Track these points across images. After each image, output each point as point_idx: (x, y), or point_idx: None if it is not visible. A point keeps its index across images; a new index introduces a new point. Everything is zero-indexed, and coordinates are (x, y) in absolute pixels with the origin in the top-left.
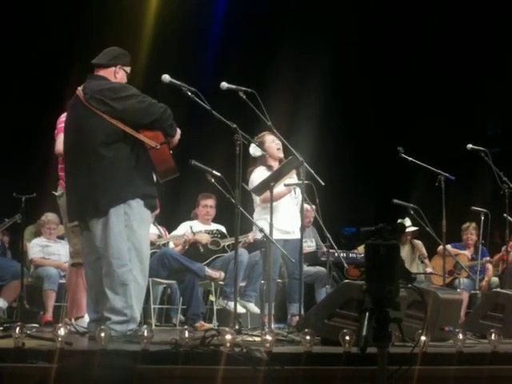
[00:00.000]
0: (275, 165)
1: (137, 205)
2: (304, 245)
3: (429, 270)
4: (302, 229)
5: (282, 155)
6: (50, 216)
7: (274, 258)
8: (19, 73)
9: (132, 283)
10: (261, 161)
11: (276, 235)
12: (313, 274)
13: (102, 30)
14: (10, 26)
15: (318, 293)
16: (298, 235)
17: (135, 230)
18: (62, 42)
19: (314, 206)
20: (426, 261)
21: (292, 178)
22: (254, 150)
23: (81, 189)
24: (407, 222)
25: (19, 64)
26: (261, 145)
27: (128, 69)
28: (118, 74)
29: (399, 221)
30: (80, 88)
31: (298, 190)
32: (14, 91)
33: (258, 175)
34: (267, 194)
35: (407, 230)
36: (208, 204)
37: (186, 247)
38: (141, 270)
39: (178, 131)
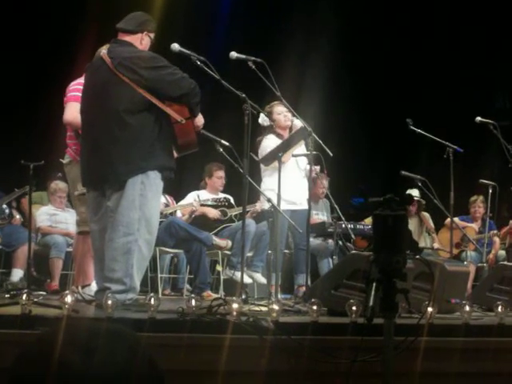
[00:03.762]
0: (285, 133)
1: (154, 176)
2: (315, 217)
3: (436, 245)
4: (310, 199)
5: (289, 123)
6: (60, 184)
7: (280, 229)
8: (25, 36)
9: (135, 253)
10: (269, 130)
11: (283, 206)
12: (315, 246)
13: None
14: None
15: (320, 264)
16: (305, 206)
17: (149, 200)
18: (70, 6)
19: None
20: (434, 235)
21: (301, 148)
22: (262, 119)
23: (100, 154)
24: (415, 192)
25: (23, 27)
26: (269, 115)
27: (152, 35)
28: (143, 41)
29: (408, 191)
30: (105, 51)
31: (306, 161)
32: (20, 56)
33: (269, 142)
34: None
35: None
36: (222, 175)
37: (193, 216)
38: (147, 241)
39: (201, 117)
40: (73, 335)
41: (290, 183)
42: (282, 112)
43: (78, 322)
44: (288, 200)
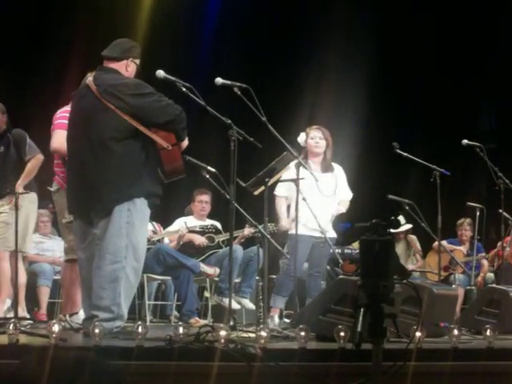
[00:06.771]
0: (314, 160)
1: (141, 203)
2: None
3: (412, 266)
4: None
5: (319, 151)
6: (41, 211)
7: (299, 255)
8: (14, 71)
9: (123, 281)
10: (303, 152)
11: (307, 232)
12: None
13: (95, 25)
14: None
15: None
16: (329, 234)
17: (136, 227)
18: (55, 35)
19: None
20: (418, 256)
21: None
22: (301, 139)
23: (86, 182)
24: (401, 220)
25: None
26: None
27: (138, 61)
28: (129, 67)
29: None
30: (90, 79)
31: (331, 182)
32: (6, 84)
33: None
34: None
35: (400, 229)
36: (203, 199)
37: (181, 243)
38: (134, 269)
39: (186, 139)
40: (56, 366)
41: (317, 210)
42: (314, 137)
43: (63, 353)
44: (315, 228)
